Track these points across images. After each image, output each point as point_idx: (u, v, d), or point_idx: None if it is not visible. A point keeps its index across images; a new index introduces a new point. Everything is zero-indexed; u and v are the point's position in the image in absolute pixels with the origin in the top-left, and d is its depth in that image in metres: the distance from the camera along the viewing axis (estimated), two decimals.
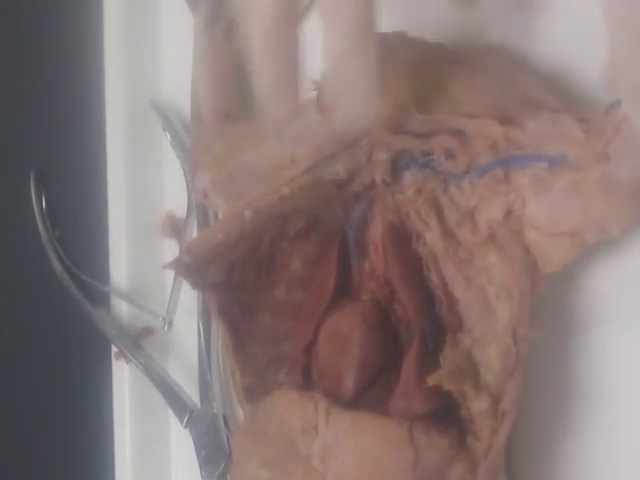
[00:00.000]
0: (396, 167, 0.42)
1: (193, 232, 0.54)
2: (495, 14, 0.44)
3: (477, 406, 0.38)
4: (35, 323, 0.63)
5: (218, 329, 0.51)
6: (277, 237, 0.44)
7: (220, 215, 0.51)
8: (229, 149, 0.47)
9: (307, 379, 0.42)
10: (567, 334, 0.41)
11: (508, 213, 0.39)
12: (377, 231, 0.42)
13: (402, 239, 0.42)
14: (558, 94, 0.40)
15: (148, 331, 0.56)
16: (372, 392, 0.41)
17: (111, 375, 0.56)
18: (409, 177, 0.42)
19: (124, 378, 0.55)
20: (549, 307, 0.41)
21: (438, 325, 0.40)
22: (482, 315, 0.39)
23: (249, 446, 0.43)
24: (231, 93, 0.51)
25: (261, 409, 0.43)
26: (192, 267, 0.43)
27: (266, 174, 0.44)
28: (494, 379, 0.38)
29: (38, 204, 0.57)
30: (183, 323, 0.55)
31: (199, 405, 0.53)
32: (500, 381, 0.38)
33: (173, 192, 0.56)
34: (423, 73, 0.41)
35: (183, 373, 0.55)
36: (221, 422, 0.52)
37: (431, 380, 0.38)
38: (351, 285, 0.43)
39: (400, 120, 0.41)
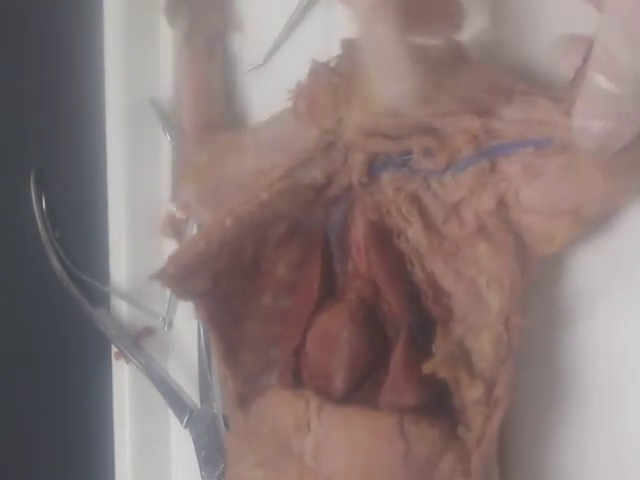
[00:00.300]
0: (373, 168, 0.42)
1: (193, 232, 0.54)
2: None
3: (471, 393, 0.38)
4: (35, 323, 0.63)
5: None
6: (260, 244, 0.44)
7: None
8: (211, 160, 0.48)
9: (298, 381, 0.42)
10: (557, 323, 0.41)
11: (500, 203, 0.39)
12: (358, 231, 0.42)
13: (383, 236, 0.42)
14: (525, 80, 0.40)
15: (148, 331, 0.56)
16: (362, 389, 0.41)
17: (111, 375, 0.56)
18: (387, 177, 0.42)
19: (124, 378, 0.55)
20: (538, 296, 0.41)
21: (425, 318, 0.40)
22: (473, 305, 0.39)
23: (242, 447, 0.43)
24: (211, 105, 0.52)
25: (253, 410, 0.44)
26: (177, 277, 0.44)
27: (247, 183, 0.45)
28: (487, 366, 0.38)
29: (38, 204, 0.57)
30: (183, 323, 0.55)
31: (199, 405, 0.53)
32: (493, 368, 0.38)
33: None
34: None
35: (183, 373, 0.55)
36: (221, 422, 0.52)
37: (426, 368, 0.38)
38: (336, 287, 0.44)
39: (373, 124, 0.41)
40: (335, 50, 0.43)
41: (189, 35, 0.52)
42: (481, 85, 0.40)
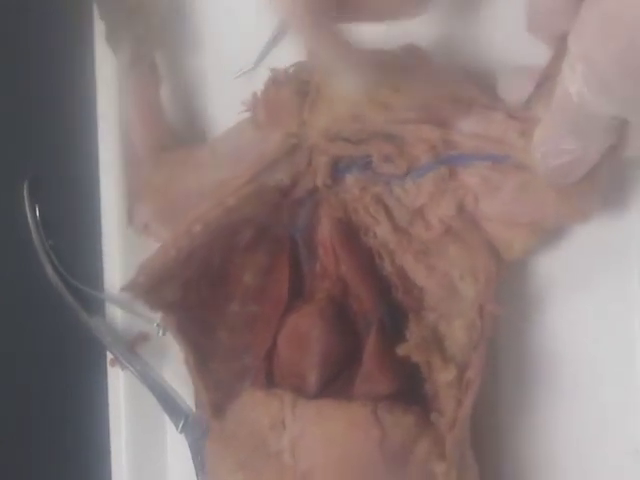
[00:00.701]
0: (337, 170, 0.43)
1: None
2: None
3: (444, 377, 0.39)
4: (30, 331, 0.63)
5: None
6: (228, 250, 0.45)
7: None
8: (168, 178, 0.48)
9: (271, 383, 0.43)
10: (523, 313, 0.43)
11: (460, 208, 0.40)
12: (325, 231, 0.43)
13: (350, 233, 0.43)
14: (485, 89, 0.41)
15: (143, 337, 0.56)
16: (336, 384, 0.41)
17: (107, 382, 0.56)
18: (351, 179, 0.43)
19: (119, 384, 0.55)
20: (505, 289, 0.42)
21: (395, 310, 0.41)
22: (447, 296, 0.40)
23: (221, 452, 0.44)
24: (163, 124, 0.52)
25: (229, 414, 0.44)
26: (147, 287, 0.44)
27: (208, 195, 0.45)
28: (459, 351, 0.39)
29: (32, 214, 0.57)
30: None
31: (194, 410, 0.53)
32: (465, 353, 0.39)
33: None
34: None
35: (178, 378, 0.55)
36: None
37: (400, 350, 0.39)
38: (305, 288, 0.44)
39: (336, 128, 0.42)
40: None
41: (133, 59, 0.52)
42: (442, 92, 0.41)
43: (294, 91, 0.43)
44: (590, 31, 0.30)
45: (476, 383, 0.39)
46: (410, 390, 0.40)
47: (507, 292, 0.41)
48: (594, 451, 0.42)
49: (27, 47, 0.63)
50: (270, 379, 0.43)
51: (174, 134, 0.53)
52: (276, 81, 0.44)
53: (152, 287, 0.45)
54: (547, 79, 0.37)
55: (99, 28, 0.56)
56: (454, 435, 0.39)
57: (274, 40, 0.52)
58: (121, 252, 0.55)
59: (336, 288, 0.43)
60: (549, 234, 0.40)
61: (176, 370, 0.55)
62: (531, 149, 0.36)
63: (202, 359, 0.46)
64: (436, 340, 0.40)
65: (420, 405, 0.40)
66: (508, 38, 0.41)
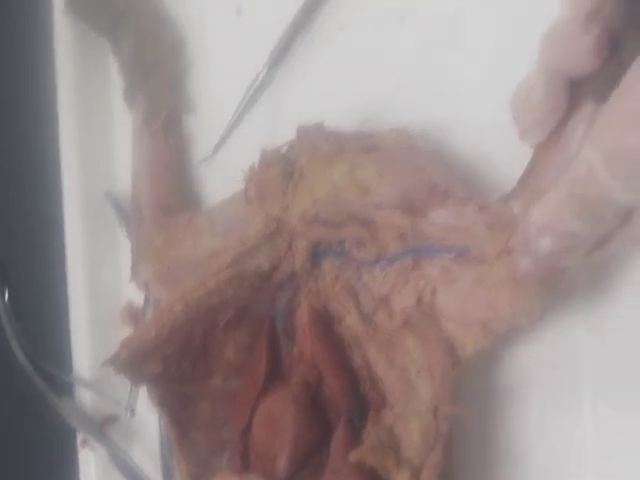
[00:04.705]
0: (316, 255, 0.43)
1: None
2: (411, 102, 0.45)
3: None
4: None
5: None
6: (209, 328, 0.45)
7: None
8: (168, 241, 0.49)
9: (246, 462, 0.43)
10: (491, 409, 0.43)
11: (419, 299, 0.40)
12: (303, 316, 0.44)
13: (325, 322, 0.43)
14: (464, 180, 0.42)
15: (112, 419, 0.56)
16: (305, 471, 0.42)
17: (78, 463, 0.56)
18: (327, 264, 0.43)
19: (90, 465, 0.56)
20: (473, 384, 0.42)
21: (364, 404, 0.41)
22: (404, 392, 0.40)
23: None
24: (169, 186, 0.53)
25: None
26: (129, 362, 0.44)
27: (201, 265, 0.46)
28: (415, 453, 0.39)
29: (1, 297, 0.58)
30: (145, 409, 0.55)
31: None
32: (421, 455, 0.39)
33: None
34: (337, 163, 0.42)
35: (147, 458, 0.55)
36: None
37: (353, 456, 0.39)
38: (282, 369, 0.45)
39: (314, 211, 0.42)
40: (285, 133, 0.45)
41: (148, 117, 0.54)
42: (422, 180, 0.41)
43: (280, 172, 0.44)
44: (617, 123, 0.31)
45: None
46: None
47: (467, 390, 0.42)
48: None
49: None
50: (245, 458, 0.44)
51: (181, 195, 0.54)
52: (265, 161, 0.45)
53: (134, 362, 0.45)
54: (528, 176, 0.38)
55: (63, 114, 0.57)
56: None
57: (234, 123, 0.53)
58: (89, 335, 0.56)
59: (311, 373, 0.43)
60: (504, 336, 0.40)
61: (144, 450, 0.56)
62: (522, 229, 0.36)
63: (183, 431, 0.46)
64: (392, 443, 0.39)
65: None
66: (496, 126, 0.41)
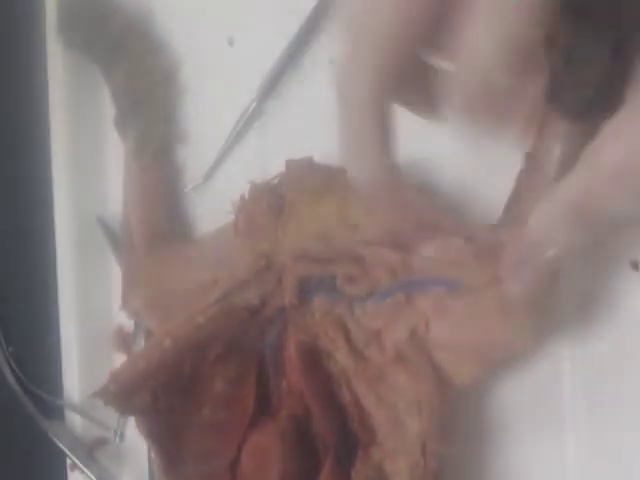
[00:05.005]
0: (306, 290, 0.43)
1: (141, 344, 0.56)
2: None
3: None
4: None
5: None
6: (198, 362, 0.45)
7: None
8: (158, 271, 0.49)
9: None
10: (481, 446, 0.43)
11: (412, 334, 0.40)
12: (291, 351, 0.44)
13: (314, 357, 0.43)
14: (452, 213, 0.42)
15: (101, 442, 0.57)
16: None
17: None
18: (317, 301, 0.43)
19: None
20: (464, 419, 0.42)
21: (351, 440, 0.41)
22: (393, 429, 0.40)
23: None
24: (160, 216, 0.53)
25: None
26: (118, 394, 0.45)
27: (191, 296, 0.46)
28: None
29: None
30: (134, 434, 0.56)
31: None
32: None
33: None
34: (326, 200, 0.43)
35: None
36: None
37: None
38: (271, 403, 0.45)
39: (303, 247, 0.43)
40: (274, 165, 0.45)
41: (139, 147, 0.54)
42: (409, 217, 0.41)
43: (270, 206, 0.44)
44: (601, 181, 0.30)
45: None
46: None
47: (458, 426, 0.42)
48: None
49: None
50: None
51: (172, 224, 0.54)
52: (255, 192, 0.45)
53: (122, 395, 0.45)
54: (513, 203, 0.38)
55: (55, 137, 0.57)
56: None
57: (225, 152, 0.53)
58: (79, 359, 0.56)
59: (299, 407, 0.43)
60: (498, 365, 0.40)
61: (133, 475, 0.57)
62: (512, 252, 0.35)
63: (172, 462, 0.46)
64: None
65: None
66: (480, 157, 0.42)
